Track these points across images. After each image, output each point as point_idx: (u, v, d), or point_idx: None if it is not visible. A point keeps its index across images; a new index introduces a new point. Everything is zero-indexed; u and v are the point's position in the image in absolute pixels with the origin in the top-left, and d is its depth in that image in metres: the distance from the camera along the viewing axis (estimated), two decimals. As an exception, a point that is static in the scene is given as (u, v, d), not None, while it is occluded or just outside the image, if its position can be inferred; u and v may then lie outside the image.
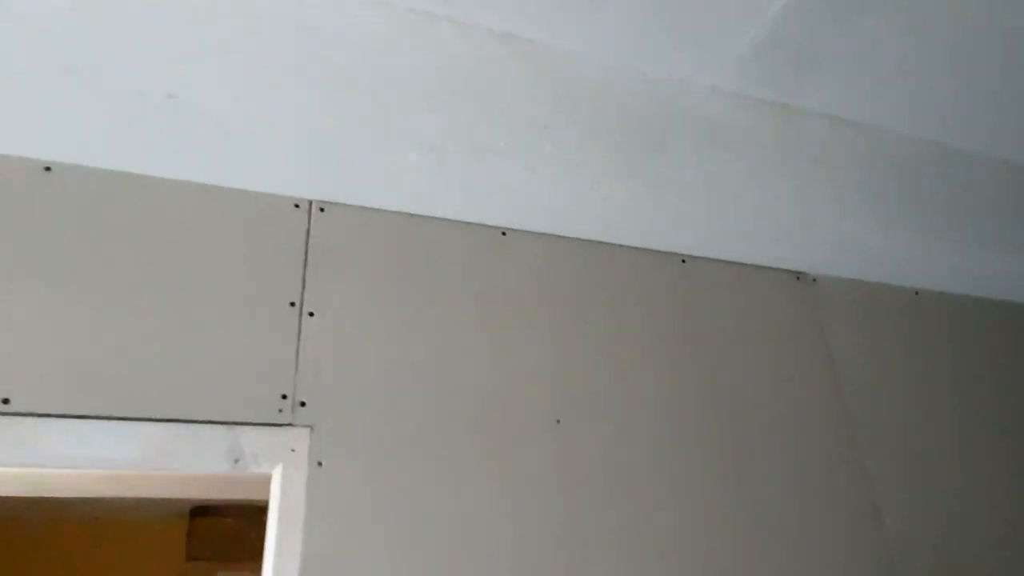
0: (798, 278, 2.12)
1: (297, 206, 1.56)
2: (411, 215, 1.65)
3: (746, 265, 2.06)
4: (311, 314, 1.46)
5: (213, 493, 2.57)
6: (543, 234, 1.79)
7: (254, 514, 2.96)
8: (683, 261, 1.97)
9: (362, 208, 1.61)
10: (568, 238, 1.83)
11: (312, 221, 1.56)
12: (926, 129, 2.21)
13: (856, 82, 2.00)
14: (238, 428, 1.30)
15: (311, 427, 1.35)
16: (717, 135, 1.88)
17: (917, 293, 2.29)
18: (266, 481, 1.32)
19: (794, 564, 1.65)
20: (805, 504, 1.74)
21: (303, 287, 1.48)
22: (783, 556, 1.65)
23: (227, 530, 3.68)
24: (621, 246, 1.89)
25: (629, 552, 1.51)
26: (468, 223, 1.71)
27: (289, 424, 1.34)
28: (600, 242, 1.86)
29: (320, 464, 1.32)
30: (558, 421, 1.59)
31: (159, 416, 1.26)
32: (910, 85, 2.04)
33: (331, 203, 1.59)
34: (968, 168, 2.29)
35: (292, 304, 1.45)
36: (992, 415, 2.14)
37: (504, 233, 1.75)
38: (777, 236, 2.00)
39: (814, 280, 2.14)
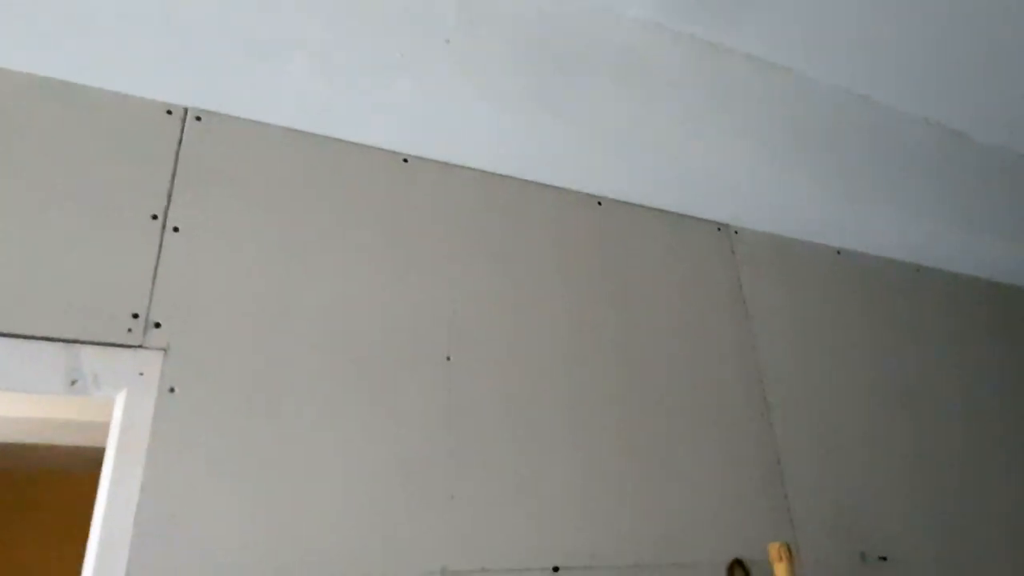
0: (719, 229, 2.06)
1: (169, 112, 1.42)
2: (299, 132, 1.53)
3: (666, 212, 1.99)
4: (175, 229, 1.33)
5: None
6: (448, 164, 1.68)
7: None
8: (599, 204, 1.89)
9: (244, 120, 1.48)
10: (474, 170, 1.72)
11: (185, 130, 1.42)
12: (856, 81, 2.16)
13: (789, 27, 1.93)
14: (78, 347, 1.17)
15: (165, 350, 1.23)
16: (640, 72, 1.79)
17: (839, 253, 2.26)
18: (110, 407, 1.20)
19: (696, 511, 1.62)
20: (709, 453, 1.71)
21: (168, 200, 1.35)
22: (684, 504, 1.62)
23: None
24: (532, 183, 1.79)
25: (519, 487, 1.45)
26: (366, 146, 1.59)
27: (139, 346, 1.22)
28: (509, 176, 1.77)
29: (172, 390, 1.21)
30: (448, 358, 1.51)
31: (-14, 329, 1.13)
32: (842, 34, 1.97)
33: (209, 112, 1.45)
34: (898, 127, 2.25)
35: (154, 217, 1.32)
36: (902, 379, 2.14)
37: (406, 160, 1.64)
38: (699, 185, 1.93)
39: (735, 232, 2.08)
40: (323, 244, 1.47)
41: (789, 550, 1.49)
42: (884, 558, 1.79)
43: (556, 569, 1.42)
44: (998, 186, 2.39)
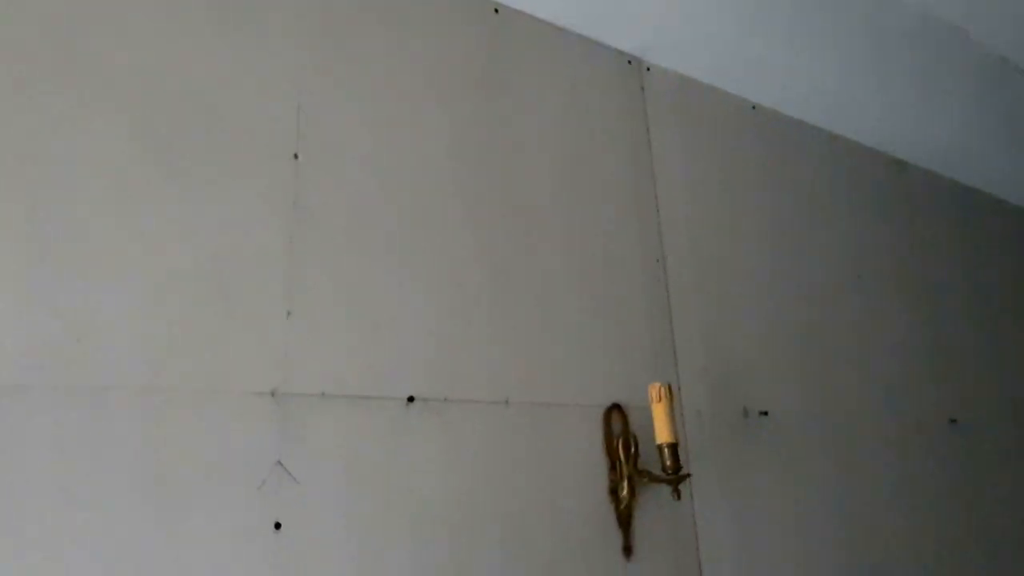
0: (630, 62, 1.84)
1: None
2: None
3: (572, 34, 1.75)
4: None
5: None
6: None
7: None
8: (496, 11, 1.62)
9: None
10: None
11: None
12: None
13: None
14: None
15: None
16: None
17: (754, 107, 2.10)
18: None
19: (573, 353, 1.48)
20: (593, 295, 1.56)
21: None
22: (560, 344, 1.47)
23: None
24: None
25: (369, 308, 1.25)
26: None
27: None
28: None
29: None
30: (296, 155, 1.26)
31: None
32: None
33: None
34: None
35: None
36: (799, 245, 2.05)
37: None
38: (611, 9, 1.70)
39: (647, 69, 1.87)
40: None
41: (670, 390, 1.38)
42: (765, 413, 1.74)
43: (411, 399, 1.25)
44: (927, 55, 2.27)
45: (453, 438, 1.28)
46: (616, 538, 1.41)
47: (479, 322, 1.38)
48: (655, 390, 1.37)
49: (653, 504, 1.47)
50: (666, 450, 1.34)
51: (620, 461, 1.43)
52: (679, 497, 1.33)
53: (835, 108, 2.22)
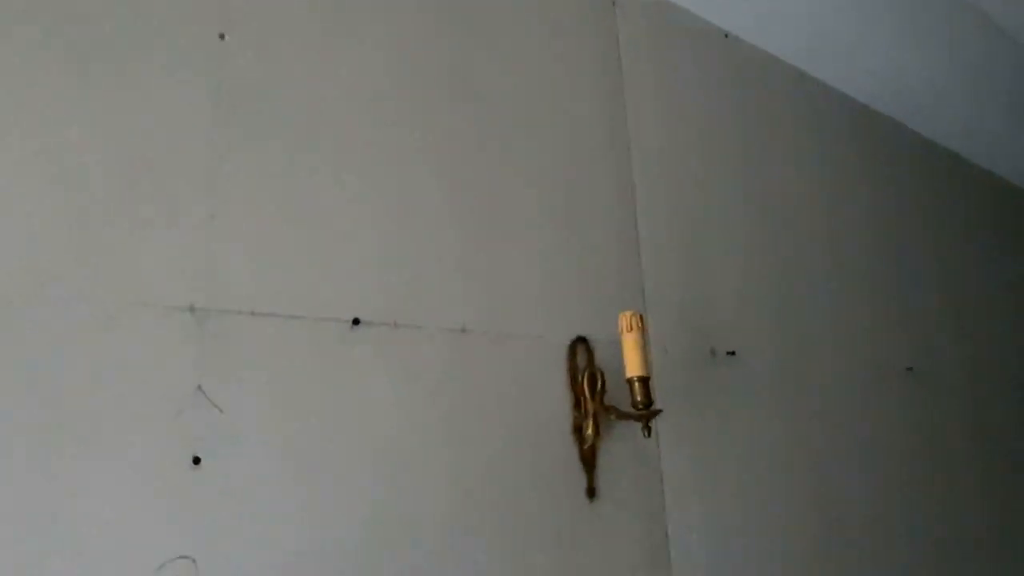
0: (601, -23, 1.69)
1: None
2: None
3: (540, -64, 1.58)
4: None
5: None
6: None
7: None
8: (458, -101, 1.44)
9: None
10: None
11: None
12: None
13: None
14: None
15: None
16: None
17: (727, 36, 1.98)
18: None
19: (536, 282, 1.35)
20: (558, 224, 1.43)
21: None
22: (522, 271, 1.34)
23: None
24: None
25: (306, 217, 1.09)
26: None
27: None
28: None
29: None
30: (222, 36, 1.07)
31: None
32: None
33: None
34: None
35: None
36: (769, 185, 1.96)
37: None
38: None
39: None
40: None
41: (642, 320, 1.26)
42: (733, 353, 1.65)
43: (356, 322, 1.10)
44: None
45: (403, 367, 1.14)
46: (579, 479, 1.30)
47: (436, 243, 1.24)
48: (626, 319, 1.26)
49: (619, 444, 1.37)
50: (636, 384, 1.23)
51: (585, 398, 1.32)
52: (649, 434, 1.23)
53: (809, 45, 2.12)
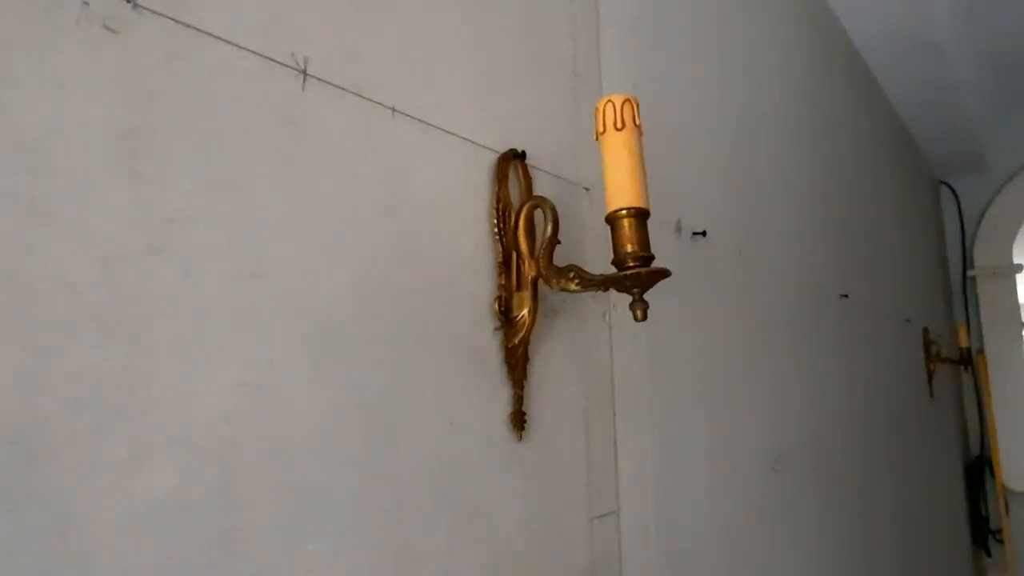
0: None
1: None
2: None
3: None
4: None
5: None
6: None
7: None
8: None
9: None
10: None
11: None
12: None
13: None
14: None
15: None
16: None
17: None
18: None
19: (469, 69, 0.73)
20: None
21: None
22: (449, 54, 0.72)
23: None
24: None
25: None
26: None
27: None
28: None
29: None
30: None
31: None
32: None
33: None
34: None
35: None
36: (748, 67, 1.47)
37: None
38: None
39: None
40: None
41: (636, 109, 0.70)
42: (703, 233, 1.15)
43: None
44: None
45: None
46: (500, 394, 0.73)
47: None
48: (613, 108, 0.68)
49: (562, 335, 0.81)
50: (627, 225, 0.67)
51: (519, 252, 0.74)
52: (644, 315, 0.67)
53: None
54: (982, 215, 3.57)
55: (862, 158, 2.25)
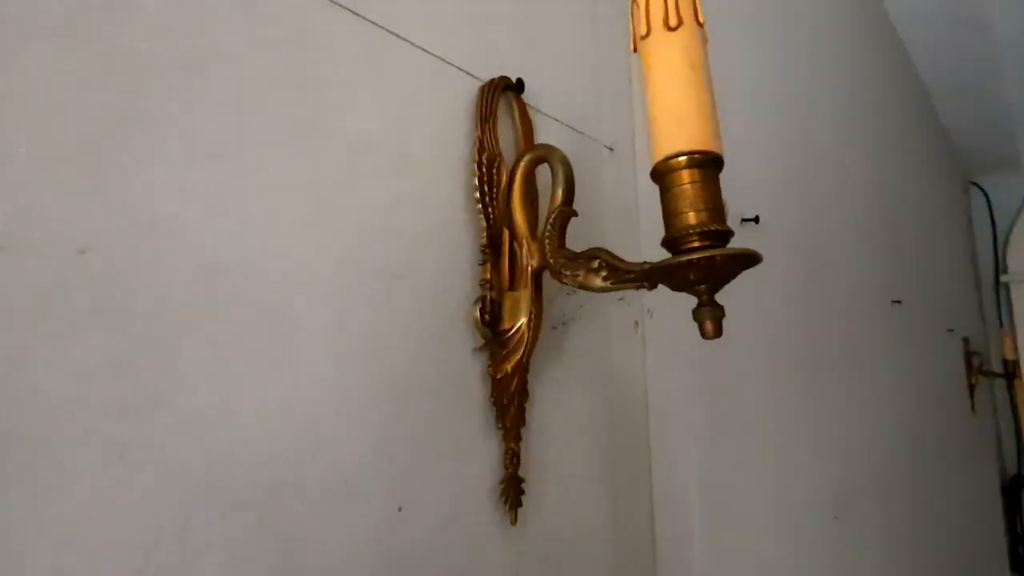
0: None
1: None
2: None
3: None
4: None
5: None
6: None
7: None
8: None
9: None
10: None
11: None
12: None
13: None
14: None
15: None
16: None
17: None
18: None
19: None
20: None
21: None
22: None
23: None
24: None
25: None
26: None
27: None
28: None
29: None
30: None
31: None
32: None
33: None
34: None
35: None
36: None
37: None
38: None
39: None
40: None
41: (698, 7, 0.44)
42: (756, 220, 0.89)
43: None
44: None
45: None
46: (483, 450, 0.47)
47: None
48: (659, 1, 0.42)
49: (577, 355, 0.55)
50: (688, 180, 0.41)
51: (514, 229, 0.48)
52: (717, 328, 0.41)
53: None
54: (1016, 216, 3.31)
55: (907, 152, 2.00)
